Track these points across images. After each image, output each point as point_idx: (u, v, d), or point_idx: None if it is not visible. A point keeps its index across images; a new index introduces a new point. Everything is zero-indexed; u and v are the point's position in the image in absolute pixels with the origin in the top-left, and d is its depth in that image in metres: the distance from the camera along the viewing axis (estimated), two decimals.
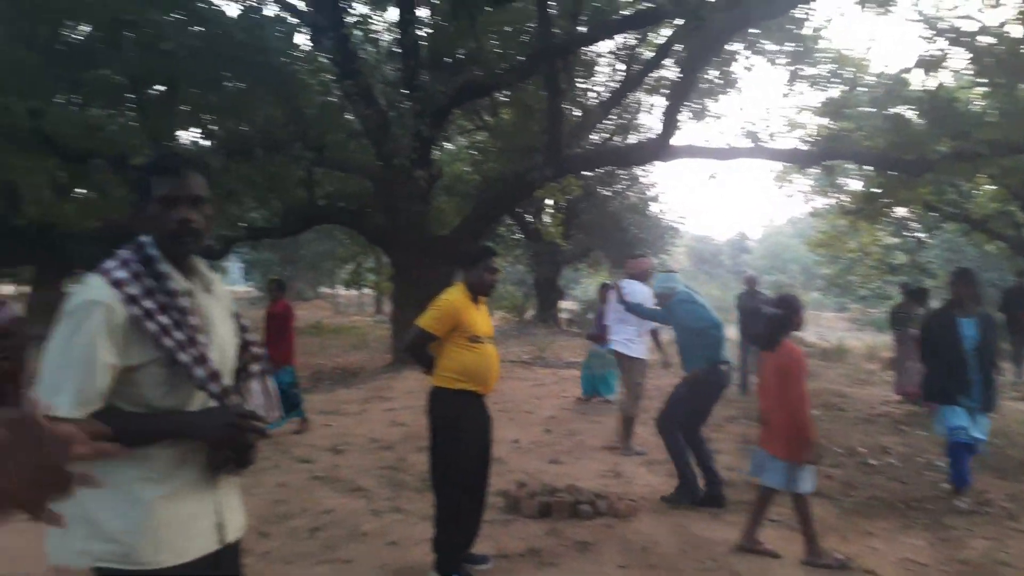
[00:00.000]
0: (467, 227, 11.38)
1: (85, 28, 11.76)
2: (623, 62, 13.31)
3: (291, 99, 8.41)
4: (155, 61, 6.32)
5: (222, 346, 1.78)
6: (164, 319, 1.60)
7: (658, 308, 5.48)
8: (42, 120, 6.61)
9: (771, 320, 3.89)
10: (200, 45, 6.16)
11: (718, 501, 4.73)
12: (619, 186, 20.38)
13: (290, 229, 11.99)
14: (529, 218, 20.53)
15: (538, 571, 3.74)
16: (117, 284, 1.57)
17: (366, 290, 29.69)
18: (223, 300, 1.86)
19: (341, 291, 35.37)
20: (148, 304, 1.59)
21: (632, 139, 16.24)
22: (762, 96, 38.86)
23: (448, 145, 15.40)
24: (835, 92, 12.26)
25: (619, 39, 12.45)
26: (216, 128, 9.04)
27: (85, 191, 15.07)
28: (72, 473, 0.99)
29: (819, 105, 12.55)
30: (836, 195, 16.84)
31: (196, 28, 6.49)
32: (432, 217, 11.51)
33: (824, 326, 24.95)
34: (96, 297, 1.55)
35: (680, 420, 4.89)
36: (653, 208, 22.15)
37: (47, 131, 6.78)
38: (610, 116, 13.31)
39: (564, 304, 22.26)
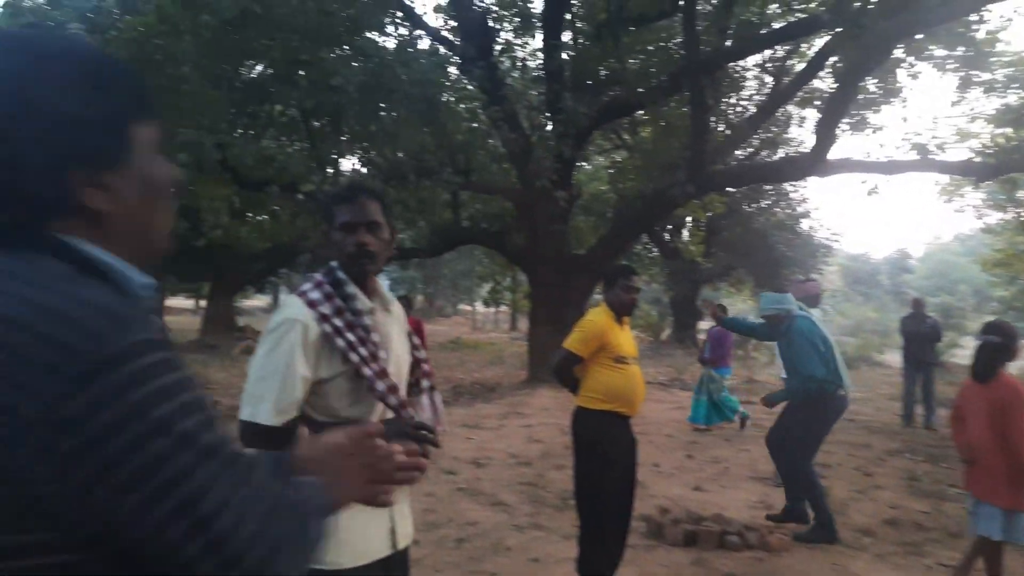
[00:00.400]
0: (604, 246, 11.38)
1: (258, 67, 13.11)
2: (771, 75, 12.82)
3: (441, 126, 8.86)
4: (324, 95, 6.92)
5: (398, 362, 1.93)
6: (351, 336, 1.76)
7: (760, 324, 5.21)
8: (227, 152, 7.42)
9: (986, 348, 3.47)
10: (364, 79, 6.66)
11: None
12: (765, 202, 19.53)
13: (436, 249, 12.55)
14: (666, 236, 20.16)
15: None
16: (311, 304, 1.76)
17: (503, 307, 30.36)
18: (399, 319, 2.02)
19: (480, 308, 36.37)
20: (338, 322, 1.76)
21: (781, 153, 15.55)
22: (928, 105, 35.82)
23: (585, 165, 15.51)
24: (1013, 99, 11.11)
25: (767, 52, 12.03)
26: (373, 155, 9.71)
27: (257, 215, 16.67)
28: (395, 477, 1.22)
29: (994, 113, 11.42)
30: (1015, 210, 15.21)
31: (361, 64, 7.02)
32: (570, 236, 11.63)
33: None
34: (294, 316, 1.73)
35: (800, 449, 4.61)
36: (804, 225, 21.00)
37: (230, 162, 7.60)
38: (759, 131, 12.84)
39: (703, 324, 21.53)
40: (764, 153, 15.56)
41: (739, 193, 17.35)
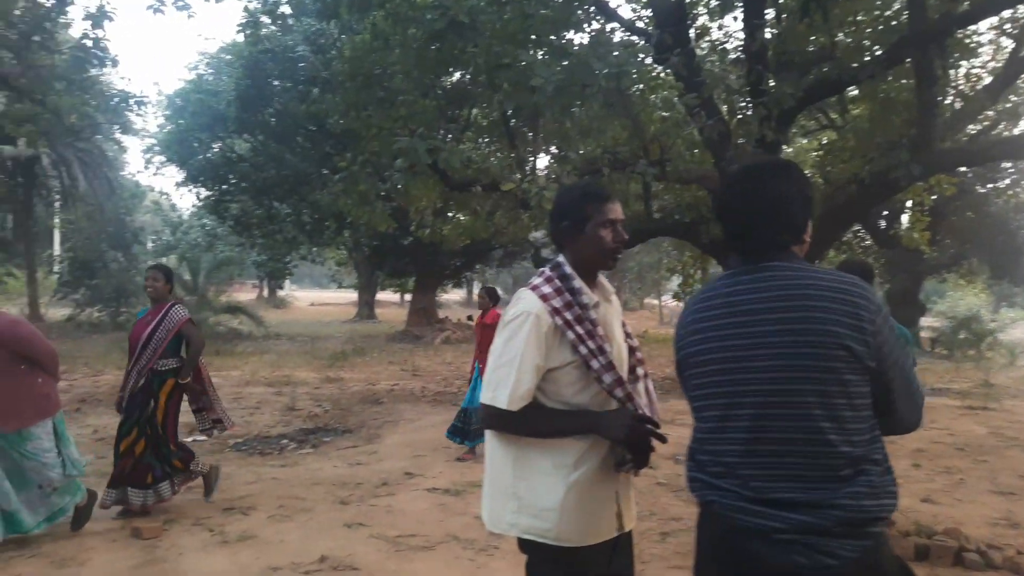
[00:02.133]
0: (811, 234, 10.65)
1: (456, 75, 13.94)
2: (1012, 38, 11.17)
3: (635, 118, 8.83)
4: (524, 97, 7.23)
5: (620, 352, 2.03)
6: (580, 329, 1.88)
7: None
8: (437, 156, 8.00)
9: None
10: (563, 77, 6.85)
11: None
12: (1003, 182, 17.10)
13: (627, 243, 12.50)
14: (882, 223, 18.36)
15: None
16: (544, 298, 1.90)
17: None
18: (618, 310, 2.12)
19: (668, 302, 35.66)
20: (568, 315, 1.89)
21: (1023, 126, 13.53)
22: None
23: (787, 149, 14.57)
24: None
25: (1006, 13, 10.51)
26: (568, 152, 9.94)
27: (459, 214, 17.73)
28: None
29: None
30: None
31: (561, 63, 7.22)
32: None
33: None
34: (529, 308, 1.89)
35: None
36: None
37: (440, 165, 8.19)
38: (995, 102, 11.26)
39: (926, 321, 19.38)
40: (1002, 126, 13.60)
41: (971, 173, 15.34)
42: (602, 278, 2.08)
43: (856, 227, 17.74)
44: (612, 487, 1.95)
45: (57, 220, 27.23)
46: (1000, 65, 10.99)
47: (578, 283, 1.94)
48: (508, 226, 13.12)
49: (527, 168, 9.55)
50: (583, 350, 1.87)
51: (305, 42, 17.69)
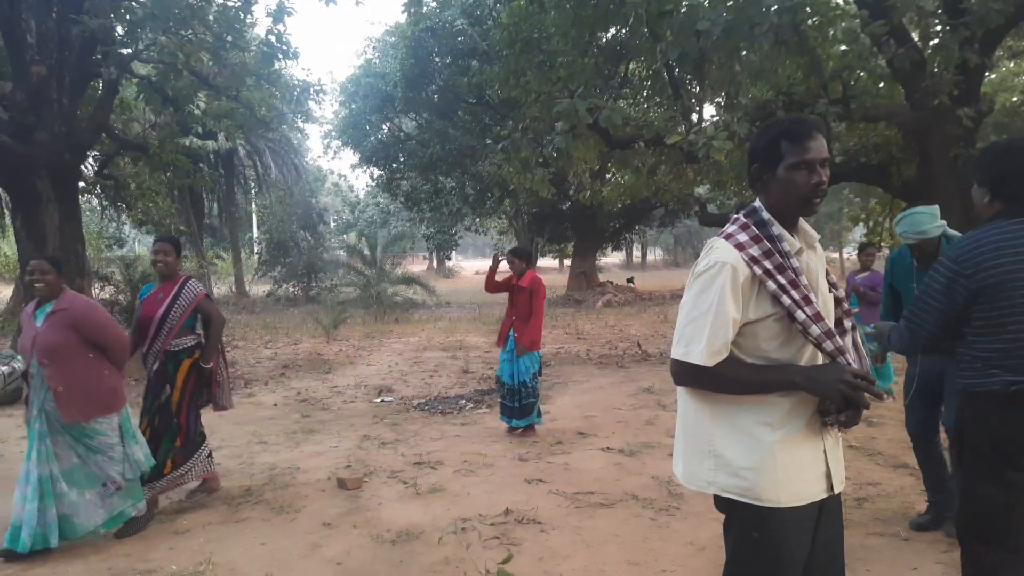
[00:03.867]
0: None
1: (611, 31, 13.55)
2: None
3: (812, 54, 8.09)
4: (689, 43, 6.86)
5: (826, 303, 1.86)
6: (781, 279, 1.73)
7: None
8: (598, 115, 7.86)
9: None
10: (731, 18, 6.42)
11: None
12: None
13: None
14: None
15: None
16: (740, 247, 1.76)
17: (886, 251, 26.95)
18: (821, 257, 1.94)
19: (851, 254, 32.95)
20: (767, 264, 1.74)
21: None
22: None
23: (990, 74, 12.73)
24: None
25: None
26: (738, 97, 9.33)
27: (619, 175, 17.44)
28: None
29: None
30: None
31: (727, 3, 6.77)
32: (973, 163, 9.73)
33: None
34: (723, 258, 1.75)
35: None
36: None
37: (601, 123, 8.04)
38: None
39: None
40: None
41: None
42: (804, 224, 1.91)
43: None
44: (820, 445, 1.81)
45: (254, 206, 30.32)
46: None
47: (777, 229, 1.80)
48: (671, 182, 12.69)
49: (693, 119, 9.11)
50: (786, 301, 1.73)
51: (463, 15, 18.06)
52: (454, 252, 41.99)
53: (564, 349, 11.55)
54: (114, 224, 24.26)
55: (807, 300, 1.74)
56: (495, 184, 19.07)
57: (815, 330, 1.74)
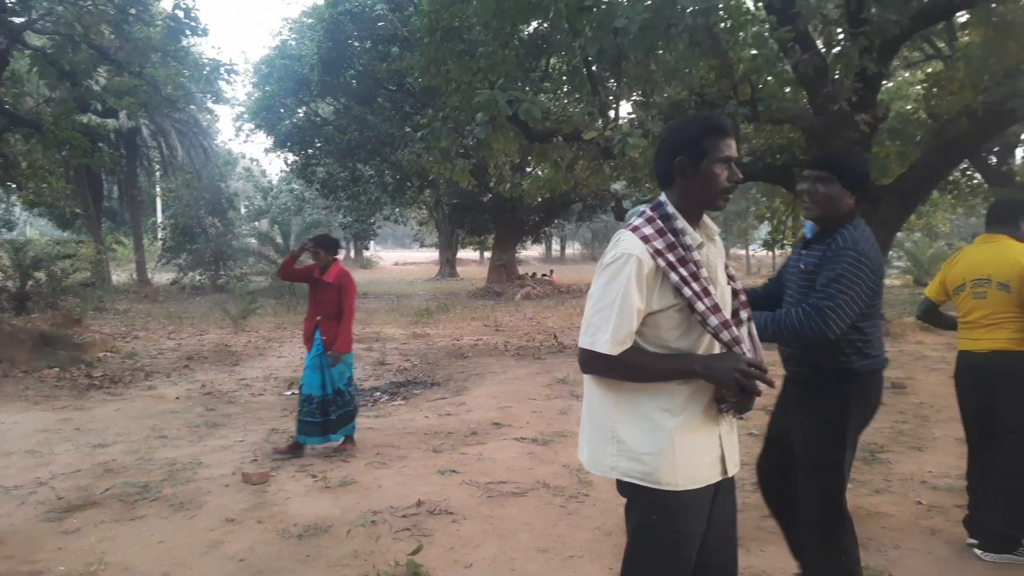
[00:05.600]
0: (915, 174, 9.95)
1: (534, 24, 13.62)
2: None
3: (724, 56, 8.38)
4: (607, 39, 6.96)
5: (724, 294, 1.93)
6: (683, 271, 1.79)
7: None
8: (518, 108, 7.88)
9: None
10: (648, 17, 6.55)
11: None
12: None
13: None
14: (993, 159, 16.92)
15: None
16: (645, 239, 1.80)
17: (785, 249, 28.34)
18: (721, 250, 2.01)
19: (756, 251, 34.54)
20: (670, 257, 1.79)
21: None
22: None
23: (887, 83, 13.56)
24: None
25: None
26: (653, 96, 9.56)
27: (538, 168, 17.56)
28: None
29: None
30: None
31: (645, 2, 6.91)
32: (873, 165, 10.34)
33: None
34: (630, 251, 1.79)
35: None
36: None
37: (521, 116, 8.07)
38: None
39: None
40: None
41: None
42: (706, 218, 1.97)
43: (964, 164, 16.47)
44: (715, 431, 1.89)
45: (158, 189, 28.80)
46: None
47: (681, 223, 1.85)
48: (589, 177, 12.88)
49: (610, 115, 9.27)
50: (687, 292, 1.78)
51: (383, 0, 17.72)
52: (372, 242, 41.30)
53: (482, 341, 11.57)
54: (2, 205, 22.53)
55: (706, 292, 1.80)
56: (415, 173, 18.85)
57: (713, 321, 1.80)
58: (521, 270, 28.37)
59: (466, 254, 43.81)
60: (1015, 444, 3.24)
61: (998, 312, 3.25)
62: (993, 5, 8.78)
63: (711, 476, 1.88)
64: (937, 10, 8.54)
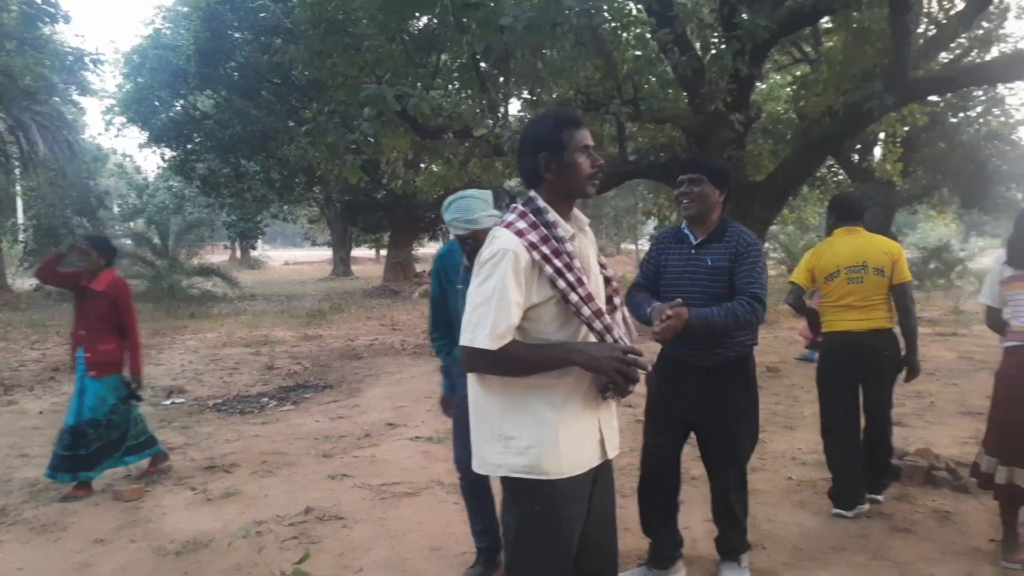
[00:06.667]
0: (785, 171, 10.62)
1: (423, 19, 13.50)
2: None
3: (608, 56, 8.62)
4: (493, 37, 6.99)
5: (597, 283, 1.99)
6: (557, 263, 1.83)
7: None
8: (406, 103, 7.77)
9: None
10: (533, 16, 6.62)
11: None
12: (975, 110, 17.12)
13: (601, 187, 12.33)
14: (855, 156, 18.37)
15: (890, 536, 3.50)
16: (520, 234, 1.83)
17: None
18: (592, 240, 2.07)
19: (645, 246, 35.83)
20: (544, 250, 1.83)
21: (994, 53, 13.45)
22: None
23: (760, 85, 14.42)
24: None
25: None
26: (540, 94, 9.69)
27: (432, 164, 17.42)
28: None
29: None
30: None
31: (530, 1, 6.98)
32: (748, 163, 10.96)
33: None
34: (505, 246, 1.81)
35: None
36: (1021, 134, 18.18)
37: (409, 112, 7.96)
38: (969, 28, 11.14)
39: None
40: (975, 53, 13.53)
41: (943, 102, 15.33)
42: (576, 210, 2.02)
43: (830, 161, 17.78)
44: (595, 416, 1.94)
45: (19, 188, 26.42)
46: None
47: (552, 216, 1.88)
48: (482, 174, 12.92)
49: (499, 113, 9.32)
50: (561, 284, 1.82)
51: None
52: (260, 241, 39.65)
53: (379, 341, 11.37)
54: None
55: (580, 282, 1.85)
56: (301, 169, 18.25)
57: (586, 311, 1.85)
58: (419, 267, 28.10)
59: (362, 252, 42.89)
60: (882, 411, 3.83)
61: (873, 295, 3.68)
62: (854, 13, 9.51)
63: (592, 460, 1.94)
64: (802, 16, 9.12)
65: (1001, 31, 13.87)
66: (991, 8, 11.40)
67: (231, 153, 20.64)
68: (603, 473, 2.02)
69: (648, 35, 9.21)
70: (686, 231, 2.98)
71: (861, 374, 3.78)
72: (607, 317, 1.91)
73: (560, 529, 1.89)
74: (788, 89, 14.07)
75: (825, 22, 10.92)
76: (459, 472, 3.09)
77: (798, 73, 13.84)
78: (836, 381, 3.84)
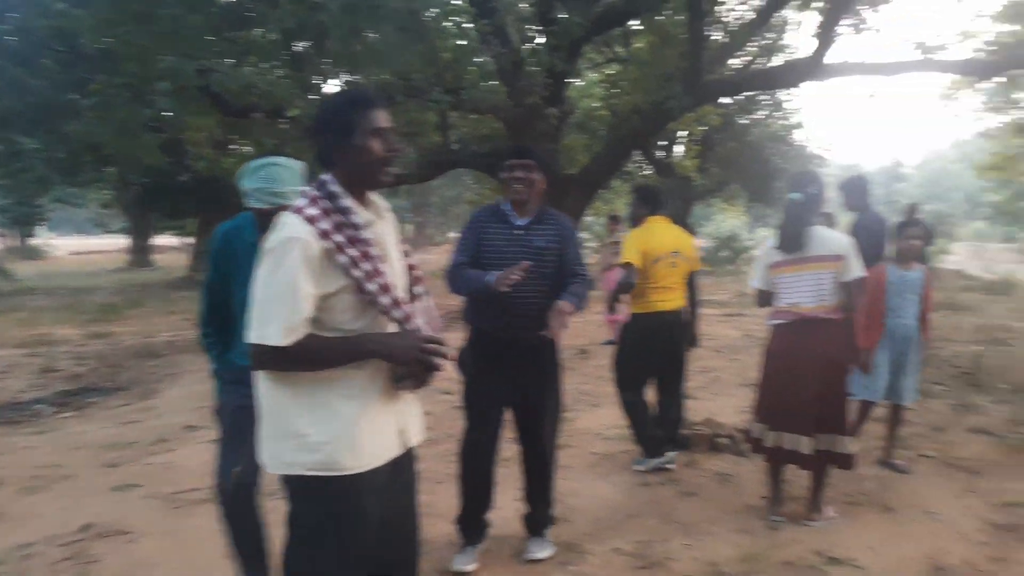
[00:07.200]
0: (597, 164, 11.22)
1: None
2: None
3: (428, 44, 8.55)
4: (306, 15, 6.65)
5: (397, 272, 1.93)
6: (353, 251, 1.75)
7: None
8: (209, 79, 7.19)
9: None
10: None
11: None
12: (760, 113, 19.20)
13: (425, 175, 12.30)
14: (659, 152, 19.88)
15: (678, 500, 3.82)
16: (310, 220, 1.73)
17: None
18: (393, 225, 2.00)
19: None
20: (338, 238, 1.74)
21: (777, 61, 15.13)
22: (930, 4, 34.68)
23: (577, 81, 15.10)
24: None
25: None
26: (359, 78, 9.39)
27: (242, 146, 16.32)
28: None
29: (1000, 9, 11.15)
30: (1012, 111, 15.07)
31: None
32: (562, 156, 11.43)
33: (989, 258, 22.71)
34: (294, 234, 1.70)
35: None
36: (796, 136, 20.72)
37: (214, 89, 7.38)
38: (755, 38, 12.40)
39: (696, 242, 21.56)
40: (761, 61, 15.12)
41: (734, 105, 17.01)
42: (376, 196, 1.94)
43: (638, 157, 19.06)
44: (393, 406, 1.89)
45: None
46: (761, 3, 11.98)
47: (347, 202, 1.79)
48: (297, 158, 12.34)
49: (315, 94, 8.92)
50: (357, 273, 1.74)
51: None
52: (46, 228, 35.03)
53: (181, 337, 10.44)
54: None
55: (377, 272, 1.78)
56: (88, 148, 16.30)
57: (384, 300, 1.79)
58: None
59: (165, 240, 39.35)
60: (680, 383, 4.35)
61: (681, 280, 4.26)
62: (657, 17, 10.21)
63: (391, 451, 1.89)
64: (614, 16, 9.65)
65: (781, 42, 15.61)
66: (774, 21, 12.75)
67: (5, 128, 17.91)
68: (404, 462, 1.98)
69: (469, 25, 9.28)
70: (507, 210, 3.04)
71: (668, 350, 4.25)
72: (407, 306, 1.87)
73: (356, 525, 1.83)
74: (601, 87, 14.82)
75: (636, 24, 11.63)
76: (218, 490, 2.68)
77: (610, 72, 14.61)
78: (642, 357, 4.25)
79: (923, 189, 49.37)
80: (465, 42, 9.57)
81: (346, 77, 10.42)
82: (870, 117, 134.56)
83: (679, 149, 20.39)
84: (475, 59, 9.43)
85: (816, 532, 3.40)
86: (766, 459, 3.62)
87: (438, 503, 3.57)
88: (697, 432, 4.65)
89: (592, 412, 5.59)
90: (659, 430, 4.29)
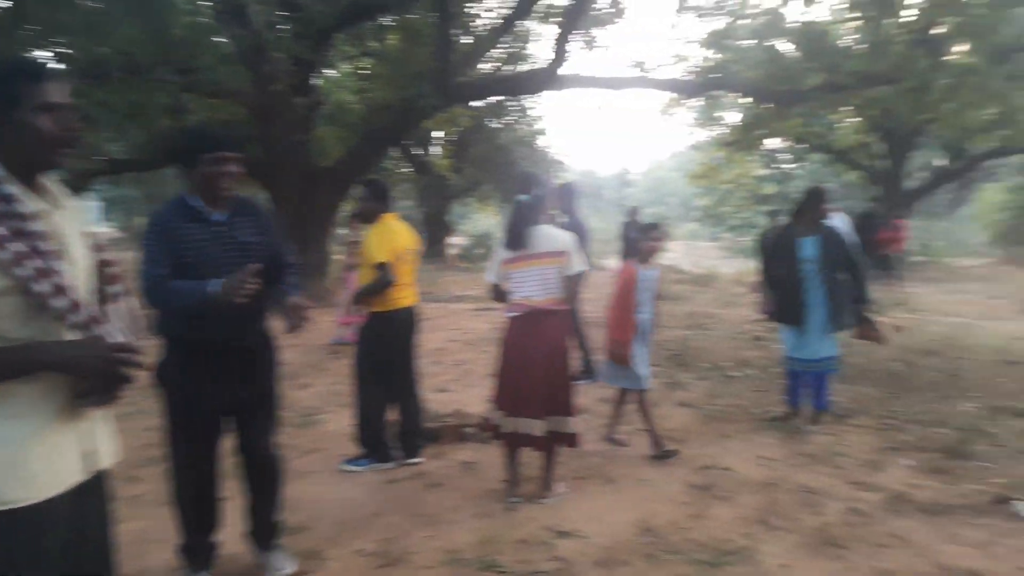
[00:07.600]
0: (352, 158, 11.03)
1: None
2: None
3: (153, 18, 7.69)
4: None
5: (81, 269, 1.69)
6: (18, 246, 1.50)
7: None
8: None
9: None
10: None
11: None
12: (509, 118, 20.31)
13: (156, 162, 11.16)
14: (417, 151, 20.13)
15: (424, 492, 3.89)
16: None
17: None
18: (76, 216, 1.74)
19: None
20: (1, 230, 1.49)
21: (522, 68, 16.07)
22: (650, 28, 39.43)
23: (331, 72, 14.66)
24: (719, 23, 12.67)
25: None
26: (68, 50, 8.11)
27: None
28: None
29: (704, 36, 12.99)
30: (715, 127, 17.68)
31: None
32: (313, 148, 11.05)
33: (698, 255, 26.42)
34: None
35: None
36: (540, 142, 22.31)
37: None
38: (501, 44, 13.03)
39: (452, 239, 22.21)
40: (507, 68, 15.93)
41: (485, 108, 17.76)
42: (48, 182, 1.67)
43: (397, 153, 19.10)
44: (75, 425, 1.64)
45: None
46: (510, 10, 12.55)
47: (12, 188, 1.53)
48: None
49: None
50: (20, 272, 1.49)
51: None
52: None
53: None
54: None
55: (50, 270, 1.54)
56: None
57: (58, 303, 1.55)
58: None
59: None
60: (415, 376, 4.46)
61: (412, 275, 4.33)
62: (406, 15, 10.28)
63: (74, 476, 1.65)
64: (361, 9, 9.49)
65: (525, 51, 16.59)
66: (519, 30, 13.52)
67: None
68: (93, 487, 1.74)
69: (206, 2, 8.54)
70: (198, 205, 2.67)
71: (407, 346, 4.33)
72: (93, 309, 1.64)
73: (34, 564, 1.57)
74: (354, 80, 14.56)
75: (388, 19, 11.57)
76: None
77: (362, 66, 14.40)
78: (385, 354, 4.26)
79: (648, 194, 56.21)
80: (201, 19, 8.79)
81: (53, 49, 9.01)
82: (604, 128, 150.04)
83: (436, 149, 20.83)
84: (213, 39, 8.69)
85: (548, 509, 3.67)
86: (504, 444, 3.83)
87: (155, 529, 3.23)
88: (446, 424, 4.78)
89: (343, 413, 5.48)
90: (404, 432, 4.37)
